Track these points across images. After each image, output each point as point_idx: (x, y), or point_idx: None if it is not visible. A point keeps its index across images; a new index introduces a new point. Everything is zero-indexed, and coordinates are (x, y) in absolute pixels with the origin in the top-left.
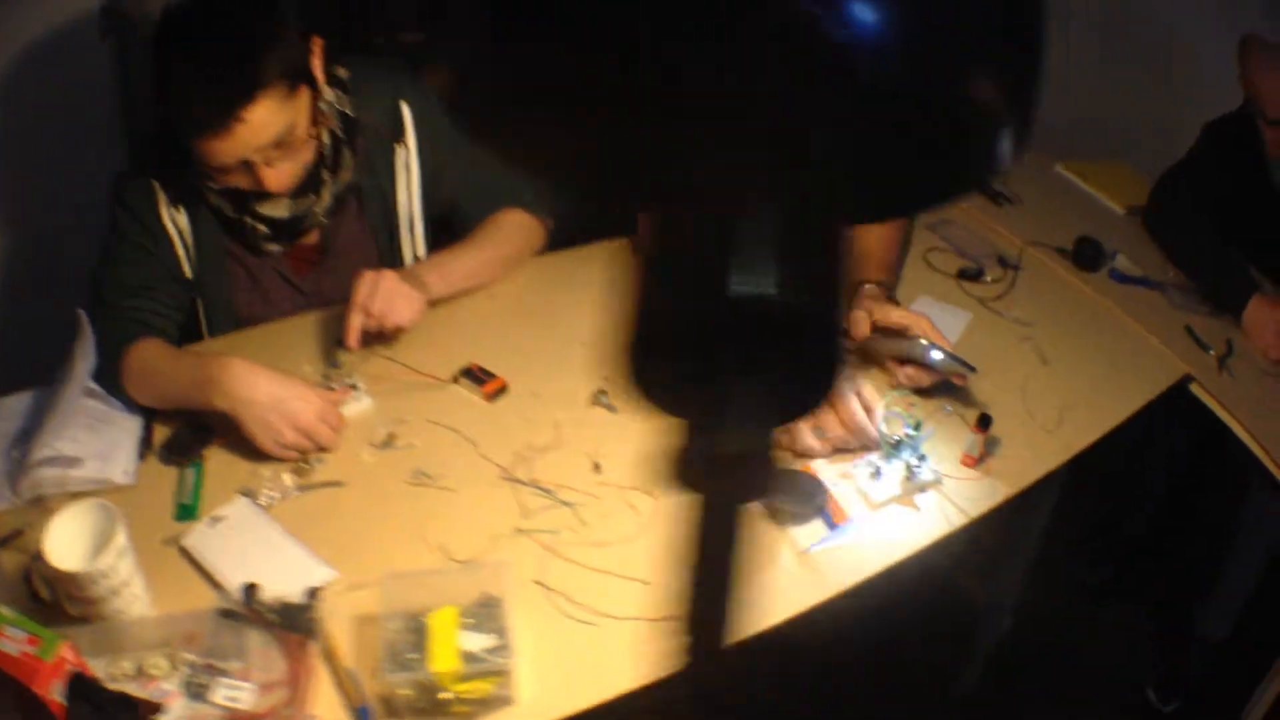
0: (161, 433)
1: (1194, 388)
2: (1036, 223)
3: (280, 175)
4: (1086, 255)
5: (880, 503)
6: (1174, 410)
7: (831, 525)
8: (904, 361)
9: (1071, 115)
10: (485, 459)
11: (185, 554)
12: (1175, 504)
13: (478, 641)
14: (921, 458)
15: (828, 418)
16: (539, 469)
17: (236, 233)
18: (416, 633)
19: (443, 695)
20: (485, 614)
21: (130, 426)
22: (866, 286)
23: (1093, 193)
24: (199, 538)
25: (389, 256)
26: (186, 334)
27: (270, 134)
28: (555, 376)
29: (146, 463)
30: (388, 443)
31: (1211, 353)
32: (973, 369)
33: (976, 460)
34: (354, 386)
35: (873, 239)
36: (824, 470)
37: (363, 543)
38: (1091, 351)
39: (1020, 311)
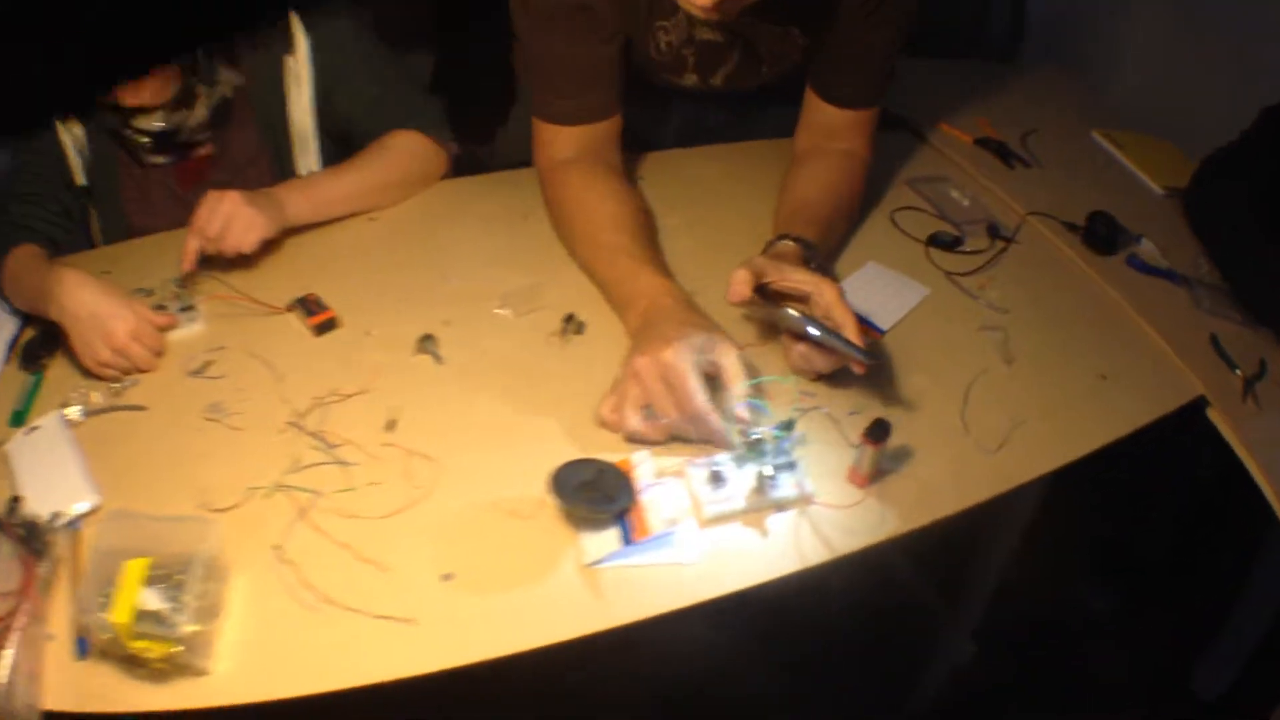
0: (27, 337)
1: (1211, 413)
2: (1050, 192)
3: (138, 90)
4: (1100, 234)
5: (711, 518)
6: (1199, 426)
7: (627, 539)
8: (795, 338)
9: (1125, 83)
10: (284, 400)
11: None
12: (1189, 534)
13: (158, 600)
14: (789, 466)
15: (661, 395)
16: (332, 418)
17: (125, 144)
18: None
19: (130, 647)
20: (184, 572)
21: (9, 328)
22: (780, 242)
23: (1129, 166)
24: (16, 445)
25: (282, 172)
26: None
27: None
28: (397, 316)
29: (10, 365)
30: (200, 371)
31: (1238, 372)
32: (874, 358)
33: (866, 479)
34: (189, 308)
35: (813, 190)
36: (644, 465)
37: (136, 473)
38: (1076, 354)
39: (997, 294)
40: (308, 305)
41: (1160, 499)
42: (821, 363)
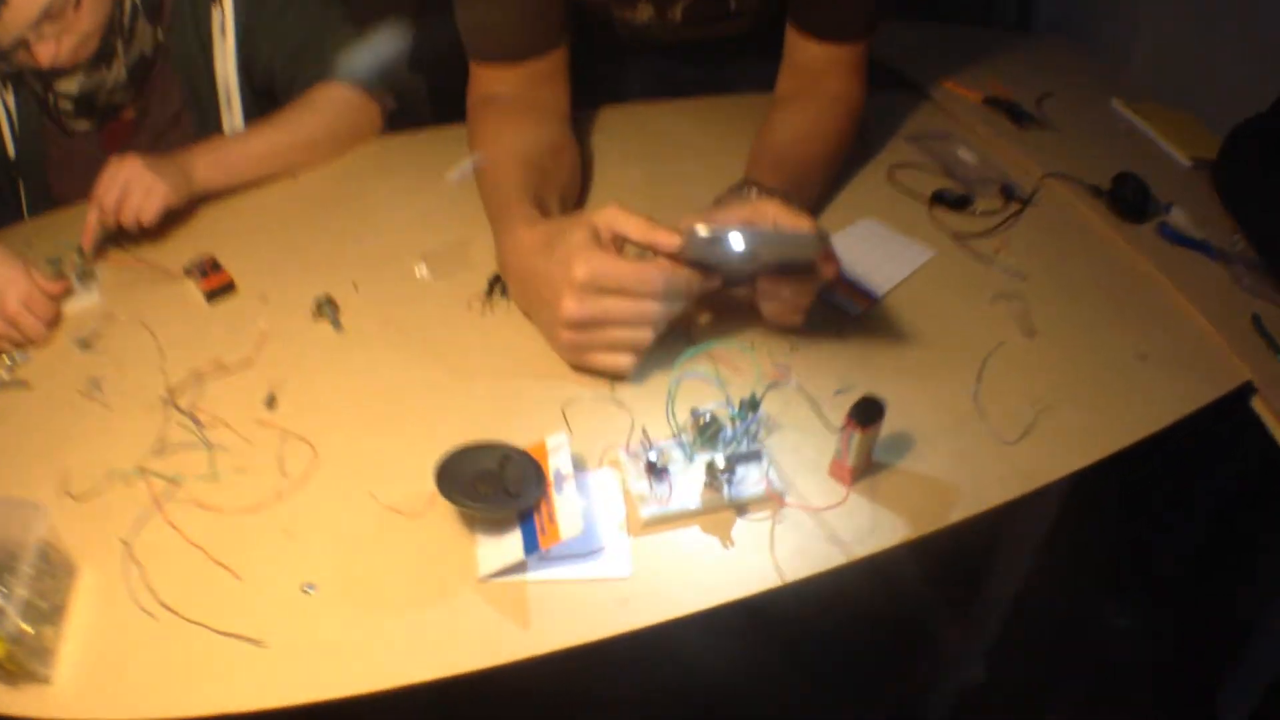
0: None
1: (1256, 402)
2: (1069, 155)
3: (56, 50)
4: (1128, 199)
5: (648, 521)
6: (1239, 415)
7: (531, 546)
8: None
9: (1136, 56)
10: (162, 374)
11: None
12: (1221, 543)
13: None
14: (753, 457)
15: (616, 309)
16: (208, 394)
17: (49, 111)
18: None
19: None
20: (13, 564)
21: None
22: (739, 190)
23: (1153, 135)
24: None
25: (207, 132)
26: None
27: (33, 10)
28: (301, 280)
29: None
30: (87, 343)
31: None
32: (870, 297)
33: (852, 474)
34: (89, 276)
35: (787, 133)
36: (561, 451)
37: (5, 456)
38: (1107, 330)
39: (1013, 259)
40: (203, 269)
41: (1195, 499)
42: (792, 294)
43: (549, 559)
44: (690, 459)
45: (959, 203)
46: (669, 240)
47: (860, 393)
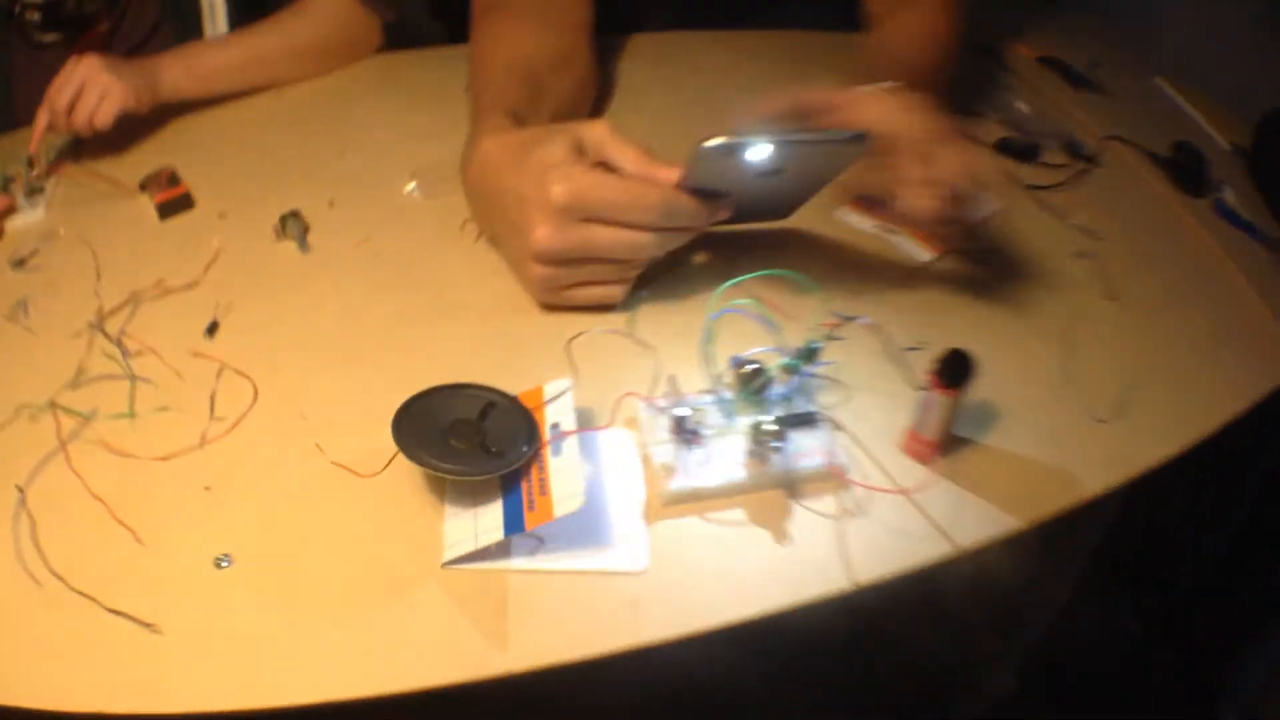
0: None
1: None
2: (1126, 118)
3: None
4: (1188, 168)
5: (673, 498)
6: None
7: (514, 525)
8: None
9: (1177, 38)
10: (96, 295)
11: None
12: (1253, 543)
13: None
14: (807, 421)
15: (602, 240)
16: (141, 318)
17: (15, 21)
18: None
19: None
20: None
21: None
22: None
23: (1196, 115)
24: None
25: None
26: None
27: None
28: (268, 195)
29: None
30: (22, 262)
31: None
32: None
33: (933, 448)
34: (38, 191)
35: (902, 41)
36: (563, 399)
37: None
38: (1181, 303)
39: (1084, 217)
40: (159, 182)
41: (1236, 495)
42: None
43: (538, 543)
44: (730, 419)
45: (1025, 153)
46: (668, 176)
47: (935, 351)
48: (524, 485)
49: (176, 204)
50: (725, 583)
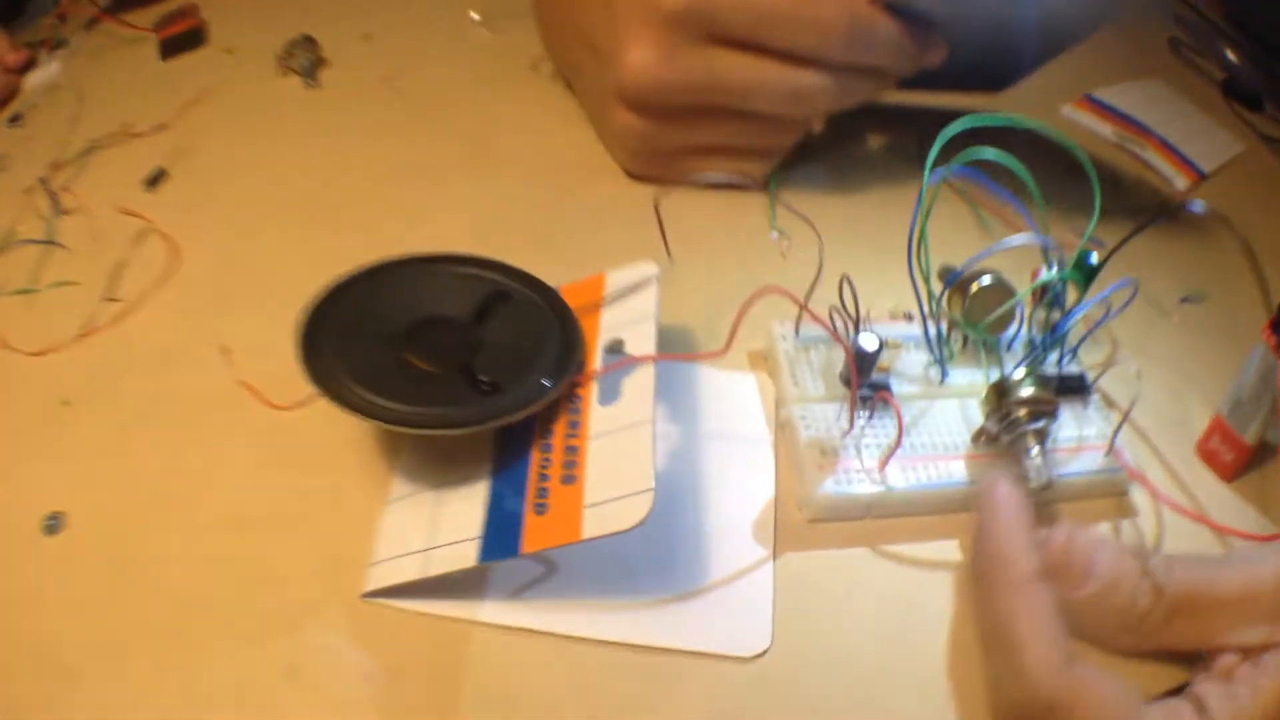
0: None
1: None
2: None
3: None
4: None
5: (827, 508)
6: None
7: (503, 544)
8: None
9: None
10: (61, 143)
11: None
12: None
13: None
14: (1072, 387)
15: None
16: (92, 170)
17: None
18: None
19: None
20: None
21: None
22: None
23: None
24: None
25: None
26: None
27: None
28: (292, 30)
29: None
30: (20, 118)
31: None
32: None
33: (1243, 453)
34: (61, 44)
35: None
36: (636, 302)
37: None
38: None
39: None
40: (172, 19)
41: None
42: None
43: (541, 578)
44: (941, 370)
45: (1253, 102)
46: None
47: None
48: (533, 460)
49: (181, 41)
50: (927, 682)
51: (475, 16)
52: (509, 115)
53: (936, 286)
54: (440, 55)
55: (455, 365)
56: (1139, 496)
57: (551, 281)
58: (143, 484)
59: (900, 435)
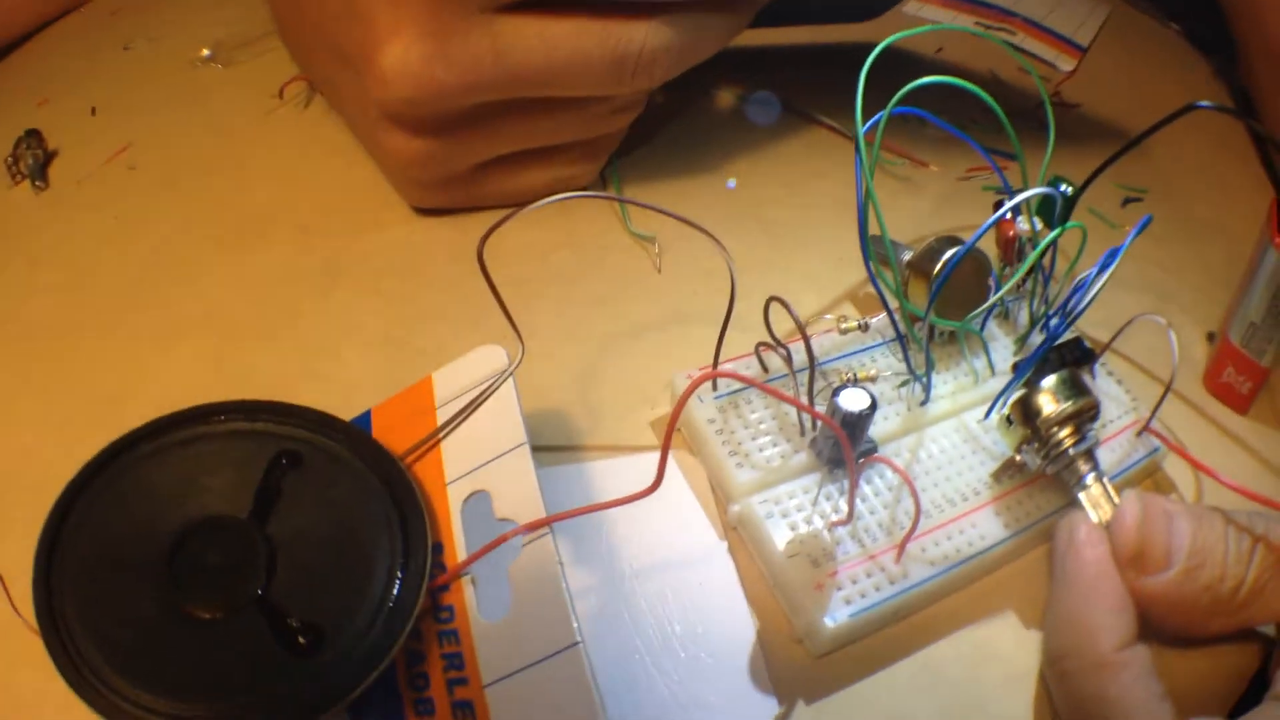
0: None
1: None
2: None
3: None
4: None
5: (842, 635)
6: None
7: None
8: None
9: None
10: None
11: None
12: None
13: None
14: (1081, 354)
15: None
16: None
17: None
18: None
19: None
20: None
21: None
22: None
23: None
24: None
25: None
26: None
27: None
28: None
29: None
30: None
31: None
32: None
33: (1258, 375)
34: None
35: None
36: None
37: None
38: None
39: None
40: None
41: None
42: None
43: None
44: (926, 387)
45: None
46: None
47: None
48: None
49: None
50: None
51: (205, 53)
52: (260, 165)
53: (905, 274)
54: (171, 109)
55: (246, 601)
56: (1173, 467)
57: (357, 404)
58: None
59: (918, 510)
